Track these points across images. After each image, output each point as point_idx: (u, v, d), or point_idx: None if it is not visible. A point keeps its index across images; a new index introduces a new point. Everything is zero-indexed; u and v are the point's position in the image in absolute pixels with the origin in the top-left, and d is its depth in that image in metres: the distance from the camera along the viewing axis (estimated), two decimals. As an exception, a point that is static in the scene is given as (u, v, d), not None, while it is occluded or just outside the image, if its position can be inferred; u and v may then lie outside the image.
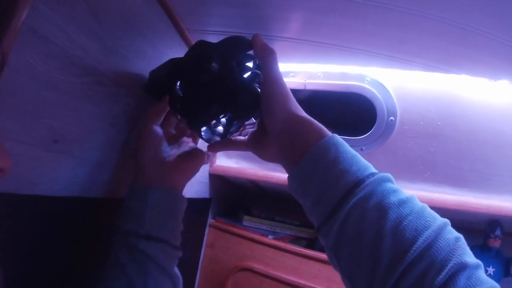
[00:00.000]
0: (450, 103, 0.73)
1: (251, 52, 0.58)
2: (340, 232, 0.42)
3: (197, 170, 0.64)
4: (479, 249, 0.87)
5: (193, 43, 0.71)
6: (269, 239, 0.99)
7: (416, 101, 0.73)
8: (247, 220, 1.09)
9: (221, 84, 0.57)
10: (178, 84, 0.60)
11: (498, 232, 0.84)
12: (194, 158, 0.63)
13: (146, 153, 0.57)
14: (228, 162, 0.98)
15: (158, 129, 0.59)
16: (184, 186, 0.62)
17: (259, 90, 0.58)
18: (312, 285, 0.89)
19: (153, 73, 0.61)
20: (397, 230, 0.39)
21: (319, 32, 0.65)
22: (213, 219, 1.10)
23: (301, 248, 0.95)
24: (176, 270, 0.57)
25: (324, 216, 0.44)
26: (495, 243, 0.85)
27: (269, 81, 0.53)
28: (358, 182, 0.43)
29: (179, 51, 0.68)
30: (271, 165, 0.96)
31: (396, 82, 0.74)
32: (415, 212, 0.40)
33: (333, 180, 0.44)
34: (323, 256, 0.90)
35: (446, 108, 0.73)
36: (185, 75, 0.58)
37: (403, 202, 0.41)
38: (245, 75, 0.59)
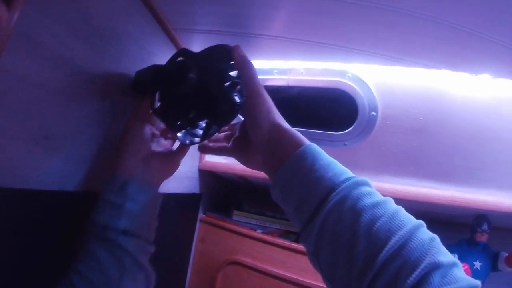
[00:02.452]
0: (432, 98, 0.74)
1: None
2: (318, 236, 0.44)
3: (173, 172, 0.66)
4: (466, 243, 0.88)
5: (180, 42, 0.73)
6: (258, 233, 1.01)
7: (397, 96, 0.74)
8: (237, 215, 1.11)
9: (199, 93, 0.59)
10: (159, 89, 0.63)
11: (485, 227, 0.85)
12: (172, 160, 0.65)
13: (129, 147, 0.59)
14: (217, 158, 0.99)
15: (142, 126, 0.61)
16: (160, 184, 0.63)
17: (237, 99, 0.60)
18: (299, 278, 0.91)
19: (138, 74, 0.63)
20: (371, 231, 0.40)
21: (302, 30, 0.66)
22: (204, 214, 1.12)
23: (289, 242, 0.97)
24: (149, 265, 0.58)
25: (304, 222, 0.46)
26: (482, 238, 0.86)
27: (251, 94, 0.55)
28: (333, 188, 0.44)
29: (166, 51, 0.70)
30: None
31: (378, 78, 0.75)
32: (389, 214, 0.41)
33: (310, 186, 0.46)
34: None
35: (428, 103, 0.74)
36: (164, 83, 0.61)
37: (377, 204, 0.42)
38: (226, 84, 0.61)
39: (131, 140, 0.59)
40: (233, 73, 0.63)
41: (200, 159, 1.01)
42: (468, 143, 0.76)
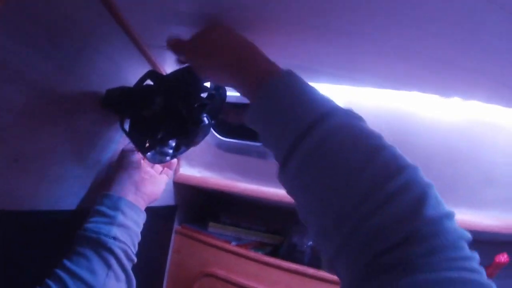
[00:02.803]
0: (402, 120, 0.75)
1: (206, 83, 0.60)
2: (309, 158, 0.38)
3: (160, 194, 0.73)
4: None
5: (153, 58, 0.72)
6: (232, 246, 1.01)
7: (367, 116, 0.74)
8: (212, 227, 1.11)
9: (168, 115, 0.59)
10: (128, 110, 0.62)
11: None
12: (159, 182, 0.72)
13: (123, 173, 0.66)
14: (191, 171, 0.99)
15: (134, 155, 0.69)
16: (145, 205, 0.69)
17: (205, 120, 0.60)
18: None
19: (108, 92, 0.63)
20: (380, 158, 0.36)
21: (268, 51, 0.66)
22: (179, 225, 1.11)
23: (263, 255, 0.97)
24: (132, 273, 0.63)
25: (291, 140, 0.40)
26: None
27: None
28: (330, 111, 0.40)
29: (139, 66, 0.70)
30: (233, 174, 0.97)
31: (347, 98, 0.76)
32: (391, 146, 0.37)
33: (303, 106, 0.41)
34: (284, 263, 0.93)
35: (398, 125, 0.75)
36: (133, 105, 0.60)
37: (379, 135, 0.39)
38: (195, 105, 0.60)
39: (125, 167, 0.67)
40: (203, 94, 0.63)
41: (175, 172, 1.01)
42: (438, 164, 0.77)
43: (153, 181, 0.71)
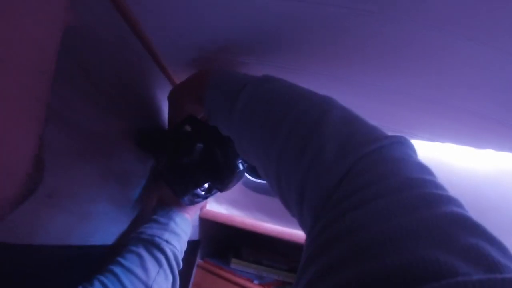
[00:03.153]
0: (435, 169, 0.75)
1: None
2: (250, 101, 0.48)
3: (199, 211, 0.82)
4: None
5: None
6: (255, 285, 1.01)
7: None
8: (234, 263, 1.11)
9: (204, 160, 0.60)
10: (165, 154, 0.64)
11: None
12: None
13: (165, 191, 0.71)
14: (218, 208, 1.00)
15: None
16: (192, 218, 0.75)
17: (240, 166, 0.62)
18: None
19: (142, 132, 0.64)
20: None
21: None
22: (202, 259, 1.12)
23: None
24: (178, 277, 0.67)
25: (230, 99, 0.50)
26: None
27: None
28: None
29: (165, 89, 0.72)
30: (259, 214, 0.98)
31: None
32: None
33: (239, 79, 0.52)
34: None
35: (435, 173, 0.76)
36: (170, 150, 0.63)
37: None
38: (230, 151, 0.62)
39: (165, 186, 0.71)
40: None
41: (202, 207, 1.02)
42: (469, 211, 0.77)
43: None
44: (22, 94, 0.18)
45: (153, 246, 0.63)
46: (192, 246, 1.08)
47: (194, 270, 1.09)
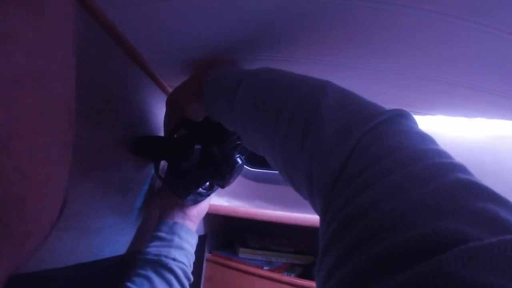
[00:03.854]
0: None
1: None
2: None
3: (204, 214, 0.79)
4: None
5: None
6: (265, 271, 1.03)
7: None
8: (242, 252, 1.12)
9: (202, 161, 0.60)
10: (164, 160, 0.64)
11: None
12: (203, 204, 0.76)
13: (167, 202, 0.72)
14: (219, 201, 1.01)
15: None
16: (196, 226, 0.75)
17: (238, 160, 0.62)
18: None
19: (138, 141, 0.64)
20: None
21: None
22: (210, 253, 1.13)
23: (295, 279, 0.98)
24: None
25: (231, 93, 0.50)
26: None
27: None
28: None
29: (159, 100, 0.72)
30: (261, 202, 0.99)
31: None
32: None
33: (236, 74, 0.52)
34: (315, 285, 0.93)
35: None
36: (167, 157, 0.63)
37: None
38: (228, 148, 0.62)
39: (168, 196, 0.72)
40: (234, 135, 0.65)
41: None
42: None
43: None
44: (57, 145, 0.18)
45: (161, 266, 0.62)
46: (200, 241, 1.09)
47: (204, 265, 1.11)
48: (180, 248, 0.66)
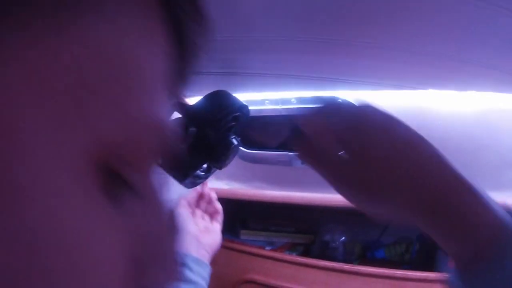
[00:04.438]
0: (420, 116, 0.78)
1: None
2: None
3: (218, 244, 0.78)
4: None
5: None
6: (267, 251, 1.05)
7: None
8: (244, 234, 1.15)
9: (198, 143, 0.61)
10: None
11: None
12: (215, 235, 0.77)
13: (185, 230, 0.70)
14: (219, 184, 1.03)
15: (182, 211, 0.74)
16: (210, 257, 0.74)
17: (234, 141, 0.63)
18: None
19: None
20: None
21: (292, 67, 0.69)
22: (212, 236, 1.15)
23: (297, 257, 1.01)
24: None
25: None
26: None
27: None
28: None
29: None
30: (260, 183, 1.00)
31: (373, 101, 0.78)
32: None
33: None
34: (320, 262, 0.97)
35: (416, 121, 0.77)
36: None
37: None
38: (223, 130, 0.63)
39: (183, 224, 0.71)
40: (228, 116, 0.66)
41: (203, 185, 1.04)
42: (459, 153, 0.79)
43: (210, 231, 0.76)
44: None
45: None
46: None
47: (207, 248, 1.13)
48: (191, 282, 0.64)
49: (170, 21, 0.20)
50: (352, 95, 0.78)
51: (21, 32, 0.13)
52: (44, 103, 0.14)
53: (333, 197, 0.92)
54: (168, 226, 0.22)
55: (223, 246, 1.10)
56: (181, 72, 0.22)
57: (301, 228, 1.18)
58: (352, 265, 0.92)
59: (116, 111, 0.16)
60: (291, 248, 1.11)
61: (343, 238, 1.04)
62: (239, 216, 1.31)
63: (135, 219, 0.19)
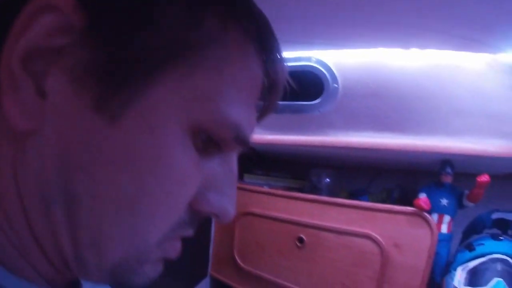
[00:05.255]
0: (377, 69, 0.95)
1: None
2: None
3: None
4: (435, 185, 1.07)
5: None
6: (265, 189, 1.27)
7: (351, 70, 0.97)
8: (247, 177, 1.38)
9: None
10: None
11: (448, 170, 1.04)
12: None
13: None
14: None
15: None
16: None
17: None
18: (300, 219, 1.16)
19: None
20: None
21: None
22: (220, 179, 1.38)
23: (288, 192, 1.22)
24: None
25: None
26: (447, 179, 1.04)
27: None
28: None
29: None
30: (259, 129, 1.22)
31: (335, 59, 0.97)
32: None
33: None
34: (307, 196, 1.17)
35: (375, 74, 0.96)
36: None
37: None
38: None
39: None
40: None
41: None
42: (413, 103, 0.96)
43: None
44: None
45: None
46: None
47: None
48: None
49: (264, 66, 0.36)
50: (324, 53, 0.98)
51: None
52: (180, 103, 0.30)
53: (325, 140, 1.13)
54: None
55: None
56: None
57: (296, 175, 1.40)
58: (331, 197, 1.13)
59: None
60: (286, 189, 1.33)
61: (328, 180, 1.25)
62: (245, 165, 1.54)
63: (213, 169, 0.35)
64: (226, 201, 0.37)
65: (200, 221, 0.38)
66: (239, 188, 1.31)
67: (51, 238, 0.30)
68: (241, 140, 0.35)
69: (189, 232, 0.37)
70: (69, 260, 0.31)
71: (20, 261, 0.30)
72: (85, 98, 0.27)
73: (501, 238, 0.97)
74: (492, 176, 0.93)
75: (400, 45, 0.87)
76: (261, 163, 1.51)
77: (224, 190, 0.37)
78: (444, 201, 1.06)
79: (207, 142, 0.33)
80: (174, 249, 0.37)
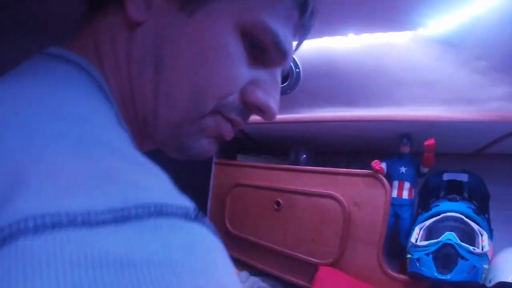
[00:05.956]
0: (326, 53, 1.09)
1: None
2: None
3: None
4: (396, 156, 1.21)
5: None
6: (251, 163, 1.48)
7: (308, 56, 1.15)
8: (240, 157, 1.59)
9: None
10: None
11: (405, 140, 1.17)
12: None
13: None
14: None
15: None
16: None
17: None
18: (281, 186, 1.33)
19: None
20: None
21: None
22: (217, 159, 1.61)
23: (272, 164, 1.41)
24: None
25: None
26: (405, 149, 1.17)
27: None
28: None
29: None
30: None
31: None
32: None
33: None
34: (286, 166, 1.35)
35: (325, 57, 1.07)
36: None
37: None
38: None
39: None
40: None
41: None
42: (358, 79, 1.10)
43: None
44: None
45: None
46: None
47: (213, 166, 1.59)
48: None
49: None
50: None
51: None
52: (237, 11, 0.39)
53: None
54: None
55: (223, 164, 1.56)
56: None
57: (282, 156, 1.59)
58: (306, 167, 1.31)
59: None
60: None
61: (304, 156, 1.45)
62: (239, 147, 1.73)
63: (262, 75, 0.42)
64: (271, 100, 0.44)
65: (248, 117, 0.46)
66: (232, 165, 1.54)
67: (141, 93, 0.40)
68: (281, 48, 0.42)
69: (239, 120, 0.45)
70: (148, 114, 0.41)
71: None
72: (174, 3, 0.39)
73: (457, 199, 1.05)
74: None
75: (339, 33, 1.06)
76: (253, 146, 1.72)
77: (270, 92, 0.44)
78: (403, 169, 1.18)
79: (255, 49, 0.41)
80: (227, 130, 0.45)
